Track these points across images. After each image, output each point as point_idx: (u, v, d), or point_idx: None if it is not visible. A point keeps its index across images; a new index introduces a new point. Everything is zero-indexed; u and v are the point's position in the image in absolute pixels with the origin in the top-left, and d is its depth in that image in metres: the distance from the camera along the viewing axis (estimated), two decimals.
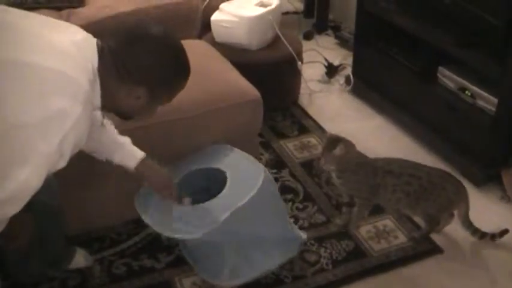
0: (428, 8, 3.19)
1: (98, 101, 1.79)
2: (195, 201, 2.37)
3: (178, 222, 2.23)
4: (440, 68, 3.15)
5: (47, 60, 1.65)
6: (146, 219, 2.30)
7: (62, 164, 1.70)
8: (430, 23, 3.15)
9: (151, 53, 1.82)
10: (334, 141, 2.51)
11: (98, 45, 1.80)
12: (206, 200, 2.32)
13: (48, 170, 1.68)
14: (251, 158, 2.53)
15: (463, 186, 2.57)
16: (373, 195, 2.56)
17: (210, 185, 2.46)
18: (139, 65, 1.80)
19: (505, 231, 2.61)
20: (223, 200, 2.28)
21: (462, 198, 2.56)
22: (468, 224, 2.58)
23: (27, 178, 1.64)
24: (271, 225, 2.43)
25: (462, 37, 2.94)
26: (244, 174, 2.42)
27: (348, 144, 2.53)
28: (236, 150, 2.57)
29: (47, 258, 2.37)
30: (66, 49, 1.71)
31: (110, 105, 1.87)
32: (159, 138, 2.45)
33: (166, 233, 2.25)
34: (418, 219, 2.71)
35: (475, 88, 2.94)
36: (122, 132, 2.25)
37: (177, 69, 1.91)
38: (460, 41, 2.94)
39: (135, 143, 2.29)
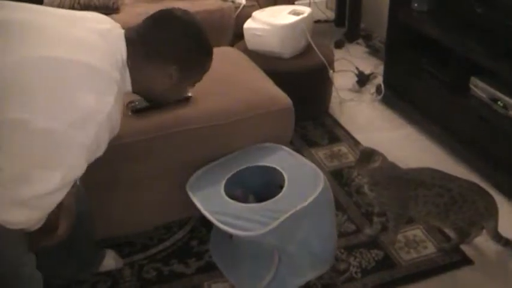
0: (460, 18, 3.19)
1: (128, 87, 1.90)
2: (256, 197, 2.41)
3: (237, 219, 2.21)
4: (472, 79, 3.13)
5: (76, 55, 1.71)
6: (203, 209, 2.31)
7: (99, 153, 1.79)
8: (462, 33, 3.14)
9: (179, 33, 1.96)
10: (369, 154, 2.52)
11: (124, 33, 1.90)
12: (258, 198, 2.35)
13: (88, 159, 1.75)
14: (308, 161, 2.56)
15: (494, 201, 2.55)
16: (405, 209, 2.56)
17: (262, 183, 2.49)
18: (169, 44, 1.94)
19: None
20: (283, 200, 2.28)
21: (492, 213, 2.54)
22: (498, 238, 2.57)
23: (70, 168, 1.72)
24: (323, 235, 2.42)
25: (494, 47, 2.93)
26: (302, 176, 2.42)
27: (382, 158, 2.53)
28: (291, 151, 2.60)
29: (78, 262, 2.41)
30: (93, 42, 1.79)
31: (143, 90, 1.99)
32: (192, 143, 2.47)
33: (226, 228, 2.21)
34: (448, 230, 2.69)
35: (507, 99, 2.92)
36: (157, 137, 2.29)
37: (203, 47, 2.04)
38: (492, 51, 2.93)
39: (169, 147, 2.33)
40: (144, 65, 1.91)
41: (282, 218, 2.17)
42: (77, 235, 2.26)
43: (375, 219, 2.70)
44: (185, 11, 2.03)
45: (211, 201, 2.33)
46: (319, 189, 2.30)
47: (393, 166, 2.59)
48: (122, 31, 1.91)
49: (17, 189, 1.68)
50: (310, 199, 2.25)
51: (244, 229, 2.16)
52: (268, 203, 2.27)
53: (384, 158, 2.55)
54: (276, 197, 2.29)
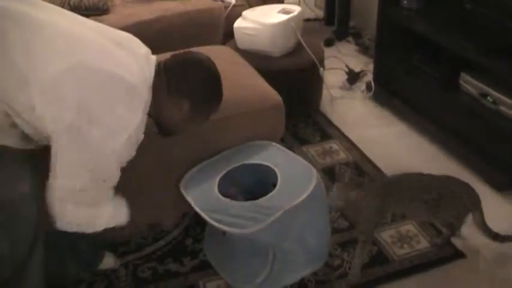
0: (450, 15, 3.21)
1: (148, 108, 2.04)
2: (247, 195, 2.42)
3: (232, 217, 2.23)
4: (462, 74, 3.15)
5: (122, 71, 1.92)
6: (197, 208, 2.33)
7: (128, 158, 2.02)
8: (452, 29, 3.16)
9: (199, 76, 2.17)
10: (353, 184, 2.49)
11: (156, 61, 2.13)
12: (251, 196, 2.36)
13: (120, 163, 1.99)
14: (300, 157, 2.58)
15: (477, 193, 2.56)
16: (381, 218, 2.61)
17: (255, 181, 2.51)
18: (188, 83, 2.13)
19: None
20: (276, 198, 2.30)
21: (477, 206, 2.55)
22: (488, 231, 2.59)
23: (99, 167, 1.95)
24: (317, 231, 2.44)
25: (483, 43, 2.95)
26: (295, 173, 2.44)
27: (361, 194, 2.46)
28: (282, 148, 2.62)
29: (79, 262, 2.44)
30: (133, 63, 1.99)
31: (156, 115, 2.15)
32: (181, 141, 2.48)
33: (220, 226, 2.22)
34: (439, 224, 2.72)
35: (497, 94, 2.94)
36: (148, 134, 2.30)
37: (216, 92, 2.24)
38: (481, 47, 2.95)
39: (161, 145, 2.36)
40: (163, 95, 2.09)
41: (276, 215, 2.18)
42: (77, 236, 2.29)
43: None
44: (209, 58, 2.24)
45: (205, 199, 2.34)
46: (313, 185, 2.31)
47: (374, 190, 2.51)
48: (155, 58, 2.14)
49: None
50: (304, 195, 2.26)
51: (238, 226, 2.18)
52: (262, 200, 2.29)
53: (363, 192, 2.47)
54: (270, 194, 2.31)
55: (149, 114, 2.08)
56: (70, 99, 1.82)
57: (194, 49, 2.78)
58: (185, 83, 2.13)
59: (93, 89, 1.86)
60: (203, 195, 2.37)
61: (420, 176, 2.57)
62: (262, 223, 2.16)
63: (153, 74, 2.07)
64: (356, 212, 2.50)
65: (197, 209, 2.31)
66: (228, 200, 2.33)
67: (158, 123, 2.22)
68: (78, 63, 1.85)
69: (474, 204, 2.54)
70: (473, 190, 2.55)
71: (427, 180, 2.54)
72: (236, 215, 2.23)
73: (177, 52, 2.26)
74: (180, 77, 2.13)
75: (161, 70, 2.10)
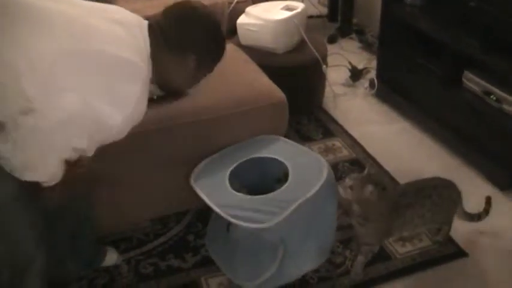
0: (453, 12, 3.20)
1: (150, 75, 1.96)
2: (248, 190, 2.40)
3: (248, 211, 2.23)
4: (466, 72, 3.15)
5: (105, 46, 1.81)
6: (210, 203, 2.32)
7: (121, 136, 1.91)
8: (455, 27, 3.15)
9: (199, 27, 2.09)
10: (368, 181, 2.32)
11: (150, 25, 2.01)
12: (259, 189, 2.36)
13: (112, 137, 1.89)
14: (308, 149, 2.60)
15: (457, 187, 2.56)
16: (386, 238, 2.57)
17: (257, 176, 2.51)
18: (189, 36, 2.06)
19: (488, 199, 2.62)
20: (289, 191, 2.30)
21: (460, 199, 2.56)
22: (470, 217, 2.60)
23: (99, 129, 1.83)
24: (326, 225, 2.44)
25: (487, 41, 2.95)
26: (305, 165, 2.44)
27: (377, 191, 2.29)
28: (290, 141, 2.62)
29: (82, 258, 2.44)
30: (120, 34, 1.89)
31: (162, 80, 2.09)
32: (186, 137, 2.48)
33: (235, 221, 2.22)
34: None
35: (500, 92, 2.94)
36: (153, 131, 2.31)
37: (219, 40, 2.18)
38: (484, 45, 2.94)
39: (165, 140, 2.36)
40: (164, 55, 2.01)
41: (292, 207, 2.19)
42: (80, 233, 2.30)
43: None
44: (203, 5, 2.18)
45: (217, 194, 2.34)
46: (324, 177, 2.31)
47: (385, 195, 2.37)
48: (146, 22, 2.02)
49: None
50: (317, 187, 2.27)
51: (254, 221, 2.18)
52: (275, 193, 2.29)
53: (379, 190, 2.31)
54: (283, 187, 2.32)
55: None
56: (68, 84, 1.73)
57: None
58: (185, 36, 2.05)
59: (88, 71, 1.77)
60: (214, 190, 2.37)
61: (411, 184, 2.58)
62: (278, 217, 2.17)
63: (148, 41, 1.95)
64: (365, 210, 2.35)
65: (211, 205, 2.30)
66: (241, 195, 2.33)
67: (164, 87, 2.18)
68: (67, 47, 1.75)
69: (459, 198, 2.55)
70: (454, 184, 2.55)
71: (420, 186, 2.51)
72: (250, 209, 2.23)
73: (166, 7, 2.13)
74: (178, 31, 2.05)
75: (156, 31, 2.00)
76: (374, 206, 2.31)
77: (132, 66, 1.85)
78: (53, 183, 1.81)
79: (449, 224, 2.60)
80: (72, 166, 1.84)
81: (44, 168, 1.77)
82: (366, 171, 2.36)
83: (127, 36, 1.89)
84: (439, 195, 2.46)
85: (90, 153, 1.86)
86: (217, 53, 2.19)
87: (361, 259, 2.46)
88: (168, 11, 2.10)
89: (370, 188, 2.24)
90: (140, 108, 1.90)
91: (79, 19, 1.85)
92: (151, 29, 2.00)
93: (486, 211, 2.60)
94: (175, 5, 2.13)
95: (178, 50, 2.04)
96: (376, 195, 2.27)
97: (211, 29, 2.14)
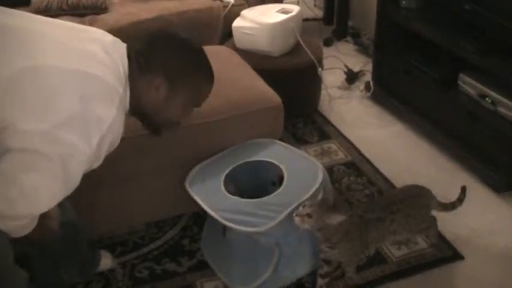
0: (449, 16, 3.21)
1: (127, 104, 1.85)
2: (242, 194, 2.38)
3: (242, 215, 2.22)
4: (461, 75, 3.14)
5: (81, 66, 1.71)
6: (206, 207, 2.31)
7: (97, 164, 1.78)
8: (451, 30, 3.15)
9: (170, 47, 1.93)
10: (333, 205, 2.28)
11: (127, 48, 1.90)
12: (254, 192, 2.34)
13: (85, 169, 1.74)
14: (304, 153, 2.58)
15: (427, 189, 2.54)
16: (364, 251, 2.45)
17: (252, 179, 2.50)
18: (159, 57, 1.90)
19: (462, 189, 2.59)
20: (284, 194, 2.29)
21: (434, 199, 2.54)
22: (442, 206, 2.57)
23: (68, 177, 1.71)
24: None
25: (483, 44, 2.95)
26: (300, 168, 2.43)
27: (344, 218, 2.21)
28: (286, 145, 2.62)
29: (78, 265, 2.43)
30: (98, 55, 1.78)
31: (138, 109, 1.92)
32: (182, 141, 2.48)
33: (231, 225, 2.21)
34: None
35: (496, 95, 2.93)
36: (148, 134, 2.30)
37: (198, 68, 1.98)
38: (480, 48, 2.94)
39: (161, 144, 2.34)
40: (137, 80, 1.86)
41: (287, 211, 2.18)
42: (74, 240, 2.29)
43: (320, 281, 2.42)
44: (189, 35, 2.00)
45: (212, 198, 2.34)
46: (319, 180, 2.31)
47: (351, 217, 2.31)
48: (125, 46, 1.91)
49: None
50: (312, 191, 2.26)
51: (249, 225, 2.18)
52: (270, 197, 2.29)
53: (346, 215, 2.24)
54: (278, 191, 2.31)
55: (133, 114, 1.94)
56: (34, 102, 1.62)
57: None
58: (154, 58, 1.89)
59: (57, 89, 1.65)
60: (210, 194, 2.37)
61: (380, 199, 2.59)
62: (273, 220, 2.16)
63: (126, 62, 1.84)
64: (329, 236, 2.24)
65: (206, 208, 2.30)
66: (236, 198, 2.33)
67: (143, 120, 2.01)
68: (35, 64, 1.65)
69: (431, 198, 2.53)
70: (423, 190, 2.53)
71: (388, 201, 2.47)
72: (245, 212, 2.22)
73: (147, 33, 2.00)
74: (148, 52, 1.89)
75: (130, 55, 1.87)
76: (336, 229, 2.22)
77: (107, 86, 1.74)
78: (20, 235, 1.77)
79: (432, 226, 2.58)
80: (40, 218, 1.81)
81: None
82: (320, 197, 2.23)
83: (105, 57, 1.79)
84: (408, 206, 2.42)
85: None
86: (195, 81, 1.98)
87: (349, 273, 2.42)
88: (146, 36, 1.96)
89: (334, 215, 2.17)
90: (117, 132, 1.79)
91: (57, 38, 1.78)
92: (128, 49, 1.89)
93: (460, 200, 2.56)
94: (155, 30, 2.02)
95: (147, 72, 1.88)
96: (340, 220, 2.18)
97: (187, 54, 1.96)
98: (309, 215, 2.14)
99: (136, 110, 1.92)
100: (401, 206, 2.40)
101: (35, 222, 1.80)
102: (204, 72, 2.01)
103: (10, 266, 1.89)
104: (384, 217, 2.36)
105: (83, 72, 1.70)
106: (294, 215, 2.15)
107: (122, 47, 1.90)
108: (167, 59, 1.91)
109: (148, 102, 1.92)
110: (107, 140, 1.73)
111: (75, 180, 1.73)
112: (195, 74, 1.97)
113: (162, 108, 1.96)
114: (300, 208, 2.16)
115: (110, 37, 1.91)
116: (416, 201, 2.47)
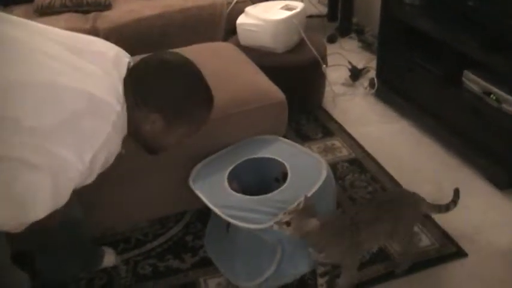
0: (453, 12, 3.19)
1: (126, 124, 1.82)
2: (246, 190, 2.37)
3: (246, 212, 2.21)
4: (465, 72, 3.14)
5: (75, 82, 1.68)
6: (209, 204, 2.31)
7: (90, 180, 1.75)
8: (455, 26, 3.14)
9: (168, 82, 1.86)
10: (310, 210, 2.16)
11: (128, 63, 1.88)
12: (257, 189, 2.34)
13: (77, 184, 1.71)
14: (307, 149, 2.57)
15: (414, 194, 2.49)
16: (358, 253, 2.40)
17: (255, 176, 2.49)
18: (155, 93, 1.85)
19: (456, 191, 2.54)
20: (288, 191, 2.28)
21: (422, 202, 2.48)
22: (436, 208, 2.53)
23: (57, 192, 1.67)
24: None
25: (486, 41, 2.94)
26: (304, 165, 2.42)
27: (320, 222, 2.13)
28: (289, 141, 2.60)
29: (81, 262, 2.43)
30: (98, 75, 1.75)
31: (134, 133, 1.88)
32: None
33: (235, 222, 2.20)
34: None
35: (500, 92, 2.93)
36: None
37: (194, 98, 1.92)
38: (484, 44, 2.93)
39: None
40: (132, 107, 1.81)
41: (290, 208, 2.17)
42: (77, 237, 2.29)
43: (320, 280, 2.39)
44: (184, 58, 1.95)
45: (216, 194, 2.33)
46: (323, 177, 2.31)
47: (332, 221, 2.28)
48: (127, 62, 1.88)
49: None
50: (315, 187, 2.26)
51: (253, 222, 2.17)
52: (274, 193, 2.28)
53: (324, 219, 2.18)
54: (282, 187, 2.30)
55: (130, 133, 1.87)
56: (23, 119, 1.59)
57: (195, 46, 2.77)
58: (150, 93, 1.84)
59: (47, 108, 1.62)
60: (213, 191, 2.36)
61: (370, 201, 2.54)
62: (277, 218, 2.14)
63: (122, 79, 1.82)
64: (313, 242, 2.21)
65: (210, 205, 2.30)
66: (240, 195, 2.32)
67: (140, 143, 1.98)
68: (21, 81, 1.62)
69: (421, 204, 2.47)
70: (412, 197, 2.48)
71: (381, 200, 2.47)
72: (249, 209, 2.22)
73: (147, 55, 1.94)
74: (143, 86, 1.84)
75: (127, 80, 1.82)
76: (319, 235, 2.17)
77: (103, 105, 1.71)
78: (17, 231, 1.74)
79: (409, 236, 2.52)
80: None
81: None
82: (301, 204, 2.14)
83: (103, 76, 1.76)
84: (399, 208, 2.38)
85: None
86: (192, 112, 1.93)
87: (342, 280, 2.38)
88: (142, 60, 1.90)
89: (313, 222, 2.10)
90: (112, 149, 1.77)
91: (57, 54, 1.75)
92: (125, 77, 1.83)
93: (454, 202, 2.51)
94: (152, 55, 1.94)
95: (142, 107, 1.83)
96: (318, 227, 2.11)
97: (183, 85, 1.90)
98: (287, 223, 2.09)
99: (134, 134, 1.89)
100: (391, 208, 2.36)
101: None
102: (201, 101, 1.96)
103: (7, 266, 1.89)
104: (375, 218, 2.31)
105: (80, 89, 1.67)
106: (273, 222, 2.11)
107: (123, 64, 1.86)
108: (162, 95, 1.85)
109: (145, 132, 1.90)
110: (101, 156, 1.70)
111: (65, 195, 1.70)
112: (192, 106, 1.92)
113: (159, 138, 1.95)
114: (280, 215, 2.12)
115: (112, 52, 1.88)
116: (405, 206, 2.41)
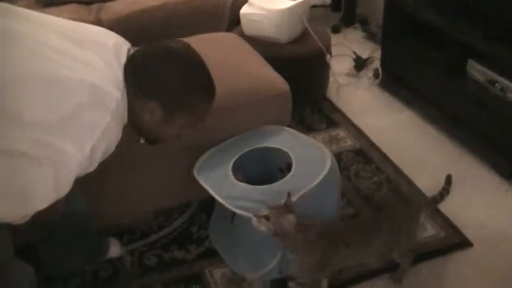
0: (456, 3, 3.18)
1: (126, 113, 1.81)
2: (251, 180, 2.36)
3: (252, 202, 2.19)
4: (470, 61, 3.13)
5: (74, 72, 1.68)
6: (214, 194, 2.30)
7: (91, 169, 1.75)
8: (458, 16, 3.13)
9: (167, 71, 1.85)
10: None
11: (128, 51, 1.87)
12: (262, 179, 2.33)
13: (78, 174, 1.71)
14: (312, 139, 2.57)
15: (413, 207, 2.48)
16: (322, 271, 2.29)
17: (259, 167, 2.49)
18: (154, 81, 1.83)
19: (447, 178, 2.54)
20: (293, 181, 2.28)
21: (421, 211, 2.47)
22: (432, 202, 2.53)
23: (59, 182, 1.68)
24: (329, 215, 2.39)
25: (490, 30, 2.93)
26: (309, 155, 2.42)
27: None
28: (294, 131, 2.60)
29: (86, 253, 2.43)
30: (97, 64, 1.75)
31: (133, 123, 1.87)
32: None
33: (240, 212, 2.19)
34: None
35: (505, 81, 2.92)
36: None
37: (194, 88, 1.90)
38: (488, 34, 2.92)
39: None
40: (132, 95, 1.80)
41: (295, 198, 2.16)
42: (81, 229, 2.29)
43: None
44: (186, 46, 1.93)
45: (221, 185, 2.33)
46: (328, 167, 2.30)
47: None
48: (126, 49, 1.87)
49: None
50: (320, 177, 2.25)
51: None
52: (279, 183, 2.27)
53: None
54: (286, 177, 2.30)
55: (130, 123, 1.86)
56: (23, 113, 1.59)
57: (199, 36, 2.76)
58: (149, 81, 1.82)
59: (46, 97, 1.62)
60: (218, 181, 2.36)
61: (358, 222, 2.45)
62: (257, 211, 2.12)
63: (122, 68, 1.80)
64: (286, 243, 2.15)
65: (214, 195, 2.30)
66: (244, 185, 2.31)
67: (140, 133, 1.97)
68: (23, 73, 1.63)
69: (418, 210, 2.45)
70: (408, 208, 2.47)
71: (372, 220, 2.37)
72: (255, 199, 2.21)
73: (148, 44, 1.92)
74: (142, 74, 1.82)
75: (126, 68, 1.80)
76: (294, 238, 2.11)
77: (102, 94, 1.70)
78: (19, 223, 1.73)
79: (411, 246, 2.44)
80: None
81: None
82: (285, 200, 2.11)
83: (103, 66, 1.75)
84: (390, 228, 2.29)
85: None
86: (192, 101, 1.91)
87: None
88: (142, 49, 1.89)
89: (290, 218, 2.04)
90: (112, 138, 1.76)
91: (58, 45, 1.74)
92: (125, 65, 1.82)
93: (447, 190, 2.51)
94: (153, 43, 1.92)
95: (142, 95, 1.81)
96: (295, 226, 2.05)
97: (183, 74, 1.87)
98: (266, 217, 2.04)
99: (134, 123, 1.87)
100: (381, 228, 2.27)
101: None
102: (201, 90, 1.93)
103: (9, 259, 1.88)
104: (359, 242, 2.25)
105: (81, 81, 1.67)
106: (252, 215, 2.09)
107: (123, 52, 1.85)
108: (161, 82, 1.84)
109: (144, 122, 1.88)
110: (100, 145, 1.70)
111: (66, 185, 1.71)
112: (191, 95, 1.90)
113: (159, 128, 1.93)
114: (261, 209, 2.09)
115: (112, 41, 1.86)
116: (399, 223, 2.32)
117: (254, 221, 2.06)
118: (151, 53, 1.87)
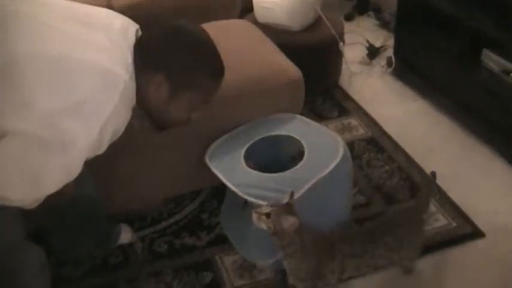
0: None
1: (134, 94, 1.79)
2: (262, 168, 2.35)
3: (263, 190, 2.19)
4: (485, 50, 3.10)
5: (82, 54, 1.68)
6: (226, 181, 2.30)
7: (100, 151, 1.75)
8: (473, 5, 3.10)
9: (176, 44, 1.85)
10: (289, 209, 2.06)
11: (136, 31, 1.86)
12: (273, 167, 2.32)
13: (87, 156, 1.71)
14: (324, 127, 2.56)
15: (416, 204, 2.47)
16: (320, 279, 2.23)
17: (271, 154, 2.48)
18: (162, 52, 1.83)
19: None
20: (305, 169, 2.27)
21: (424, 212, 2.40)
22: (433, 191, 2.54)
23: (68, 164, 1.69)
24: (340, 204, 2.41)
25: (505, 19, 2.91)
26: (321, 143, 2.41)
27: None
28: (306, 119, 2.59)
29: (97, 239, 2.45)
30: (103, 44, 1.74)
31: (142, 103, 1.85)
32: (201, 116, 2.46)
33: (252, 200, 2.18)
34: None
35: None
36: None
37: (199, 60, 1.89)
38: (503, 23, 2.90)
39: None
40: (139, 73, 1.78)
41: (307, 186, 2.16)
42: (92, 214, 2.30)
43: None
44: (198, 27, 1.94)
45: (233, 172, 2.32)
46: (340, 155, 2.29)
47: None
48: (134, 31, 1.87)
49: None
50: (332, 166, 2.24)
51: (271, 200, 2.13)
52: (291, 171, 2.27)
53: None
54: (298, 165, 2.29)
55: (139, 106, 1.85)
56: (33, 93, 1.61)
57: (211, 23, 2.74)
58: (157, 53, 1.83)
59: (55, 79, 1.63)
60: (230, 168, 2.35)
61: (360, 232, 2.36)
62: (295, 194, 2.11)
63: (132, 50, 1.79)
64: (283, 244, 2.12)
65: (226, 182, 2.29)
66: (256, 173, 2.30)
67: (148, 114, 1.95)
68: (32, 54, 1.63)
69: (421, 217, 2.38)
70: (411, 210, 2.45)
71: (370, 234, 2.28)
72: (267, 187, 2.20)
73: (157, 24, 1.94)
74: (151, 48, 1.82)
75: (135, 47, 1.81)
76: (293, 238, 2.08)
77: (109, 73, 1.69)
78: (30, 207, 1.74)
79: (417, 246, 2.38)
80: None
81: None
82: (285, 200, 2.08)
83: (109, 45, 1.75)
84: (393, 234, 2.24)
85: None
86: (200, 79, 1.90)
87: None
88: (154, 29, 1.89)
89: (291, 219, 2.01)
90: (121, 120, 1.76)
91: (66, 27, 1.74)
92: (137, 39, 1.84)
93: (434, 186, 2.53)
94: (165, 23, 1.93)
95: (149, 68, 1.81)
96: (295, 227, 2.03)
97: (192, 50, 1.87)
98: (267, 215, 2.02)
99: (142, 103, 1.85)
100: (383, 235, 2.23)
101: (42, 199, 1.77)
102: (210, 68, 1.93)
103: (19, 242, 1.89)
104: (360, 253, 2.20)
105: (91, 63, 1.67)
106: (253, 211, 2.08)
107: (131, 33, 1.84)
108: (169, 55, 1.83)
109: (150, 99, 1.86)
110: (108, 127, 1.69)
111: (76, 168, 1.71)
112: (199, 72, 1.89)
113: (165, 108, 1.91)
114: (263, 206, 2.07)
115: (119, 23, 1.86)
116: (402, 227, 2.27)
117: (254, 217, 2.05)
118: (163, 31, 1.88)
